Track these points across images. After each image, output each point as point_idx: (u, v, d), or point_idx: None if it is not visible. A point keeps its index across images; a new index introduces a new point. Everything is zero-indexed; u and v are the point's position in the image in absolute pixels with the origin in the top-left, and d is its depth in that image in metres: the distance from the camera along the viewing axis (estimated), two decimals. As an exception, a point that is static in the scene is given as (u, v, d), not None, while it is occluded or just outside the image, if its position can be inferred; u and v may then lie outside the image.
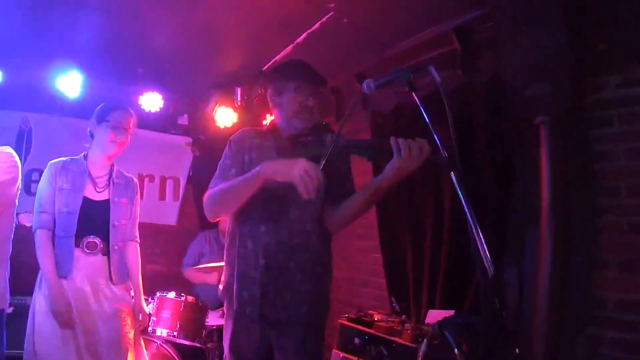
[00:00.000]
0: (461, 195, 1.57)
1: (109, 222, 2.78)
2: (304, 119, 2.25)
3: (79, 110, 4.78)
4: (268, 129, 2.45)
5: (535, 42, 2.92)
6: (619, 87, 2.67)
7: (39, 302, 2.64)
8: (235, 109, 4.62)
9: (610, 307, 2.58)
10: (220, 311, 4.18)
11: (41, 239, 2.66)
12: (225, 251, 2.36)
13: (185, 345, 3.92)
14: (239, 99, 4.44)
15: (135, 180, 3.02)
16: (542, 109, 2.83)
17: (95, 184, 2.80)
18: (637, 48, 2.59)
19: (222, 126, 4.71)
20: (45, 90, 4.57)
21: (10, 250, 2.47)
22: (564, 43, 2.78)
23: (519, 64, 3.01)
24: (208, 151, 5.22)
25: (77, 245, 2.69)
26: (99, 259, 2.75)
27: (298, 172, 1.86)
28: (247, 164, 2.24)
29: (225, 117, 4.65)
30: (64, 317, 2.57)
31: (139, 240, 3.01)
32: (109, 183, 2.83)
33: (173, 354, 3.83)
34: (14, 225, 2.50)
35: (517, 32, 3.02)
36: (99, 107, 2.90)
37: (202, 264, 4.53)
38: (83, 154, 2.87)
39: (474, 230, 1.48)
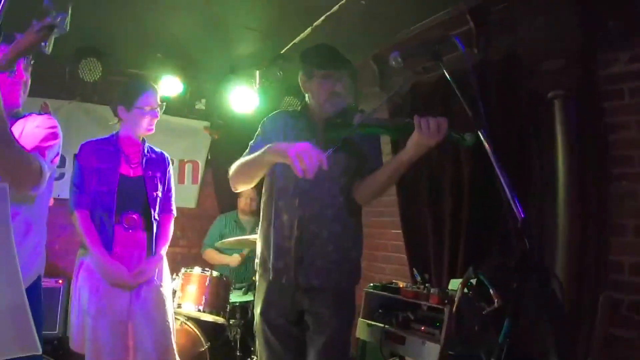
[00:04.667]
0: (488, 149, 1.67)
1: (145, 197, 2.81)
2: (335, 103, 2.31)
3: (98, 95, 4.88)
4: (301, 111, 2.51)
5: (548, 19, 3.02)
6: (629, 62, 2.75)
7: (84, 286, 2.67)
8: (253, 92, 4.67)
9: (627, 271, 2.67)
10: (242, 289, 4.28)
11: (82, 218, 2.69)
12: (260, 226, 2.47)
13: (208, 321, 4.02)
14: (257, 82, 4.50)
15: (166, 154, 3.04)
16: (555, 84, 2.92)
17: (129, 161, 2.83)
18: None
19: (240, 110, 4.75)
20: (65, 76, 4.62)
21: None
22: (575, 20, 2.88)
23: (533, 41, 3.11)
24: (226, 135, 5.27)
25: (117, 222, 2.72)
26: (139, 234, 2.78)
27: (293, 151, 1.89)
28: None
29: (243, 100, 4.68)
30: (127, 282, 2.65)
31: (174, 213, 3.01)
32: (142, 159, 2.87)
33: (196, 330, 3.91)
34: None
35: (531, 10, 3.13)
36: (123, 89, 2.91)
37: (221, 245, 4.59)
38: (113, 132, 2.90)
39: (502, 179, 1.57)
